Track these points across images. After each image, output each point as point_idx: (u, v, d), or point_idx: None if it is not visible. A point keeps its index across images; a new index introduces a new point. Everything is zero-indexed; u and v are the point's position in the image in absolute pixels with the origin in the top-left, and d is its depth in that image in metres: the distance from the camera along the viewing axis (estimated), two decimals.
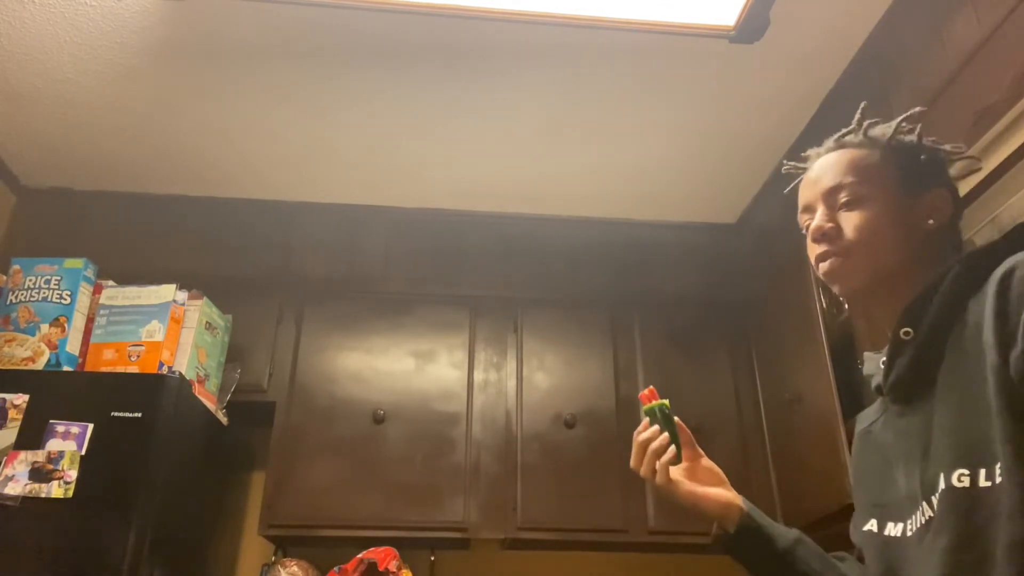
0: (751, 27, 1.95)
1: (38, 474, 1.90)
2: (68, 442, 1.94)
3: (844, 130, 1.05)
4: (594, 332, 2.71)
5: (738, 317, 2.77)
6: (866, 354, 1.01)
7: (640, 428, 1.13)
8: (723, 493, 1.10)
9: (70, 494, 1.89)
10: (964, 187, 1.80)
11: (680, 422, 1.13)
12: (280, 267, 2.72)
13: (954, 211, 0.99)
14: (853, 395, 2.05)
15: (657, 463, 1.09)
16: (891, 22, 1.98)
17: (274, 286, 2.67)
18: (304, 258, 2.75)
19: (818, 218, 1.00)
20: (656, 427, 1.11)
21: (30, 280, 2.24)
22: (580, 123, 2.42)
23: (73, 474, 1.91)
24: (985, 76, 1.64)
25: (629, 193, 2.78)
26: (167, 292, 2.26)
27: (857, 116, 1.06)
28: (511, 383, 2.61)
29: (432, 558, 2.54)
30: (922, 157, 1.00)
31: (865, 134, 1.03)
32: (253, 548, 2.54)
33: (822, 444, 2.13)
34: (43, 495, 1.88)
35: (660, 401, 1.13)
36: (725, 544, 1.07)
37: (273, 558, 2.43)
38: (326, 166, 2.65)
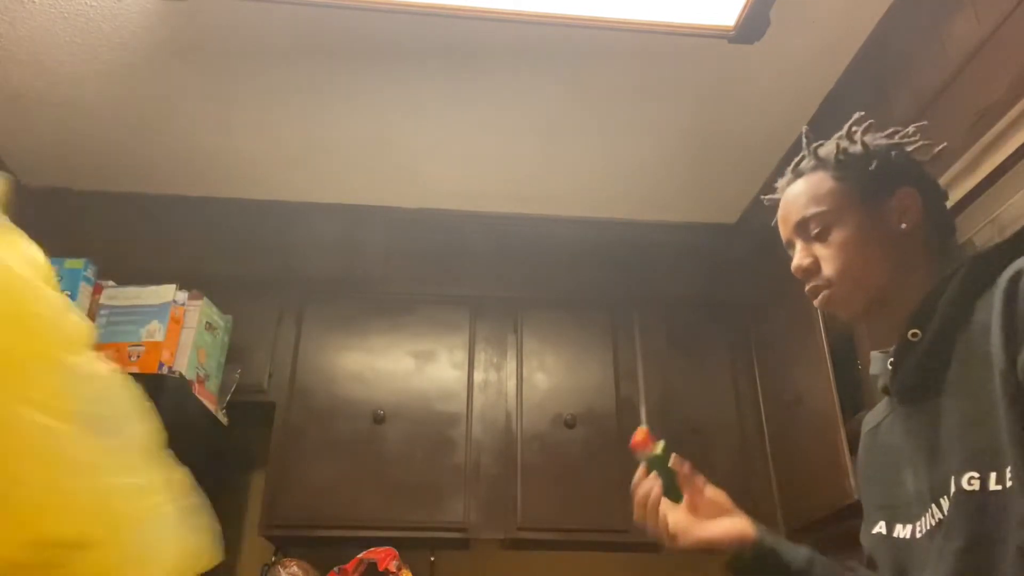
0: (751, 27, 1.95)
1: None
2: None
3: (798, 157, 1.05)
4: (594, 332, 2.71)
5: (738, 317, 2.77)
6: (872, 353, 1.01)
7: (638, 477, 1.09)
8: (732, 527, 1.06)
9: None
10: (964, 187, 1.81)
11: (677, 460, 1.09)
12: (280, 267, 2.72)
13: (926, 202, 0.98)
14: (853, 395, 2.05)
15: (660, 528, 1.06)
16: (891, 22, 1.98)
17: (274, 286, 2.67)
18: (304, 258, 2.75)
19: (796, 256, 1.01)
20: (652, 475, 1.07)
21: None
22: (580, 123, 2.42)
23: None
24: (985, 76, 1.64)
25: (629, 193, 2.78)
26: (167, 292, 2.26)
27: (803, 140, 1.05)
28: (511, 383, 2.61)
29: (432, 558, 2.54)
30: (873, 164, 0.98)
31: (815, 156, 1.03)
32: (253, 548, 2.54)
33: (822, 444, 2.13)
34: None
35: (656, 451, 1.08)
36: (739, 570, 1.06)
37: (273, 558, 2.43)
38: (326, 166, 2.65)
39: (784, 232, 1.04)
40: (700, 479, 1.10)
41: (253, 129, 2.46)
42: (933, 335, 0.89)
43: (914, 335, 0.90)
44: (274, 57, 2.16)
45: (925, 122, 1.07)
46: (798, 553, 1.05)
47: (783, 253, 1.07)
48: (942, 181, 1.82)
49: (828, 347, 2.15)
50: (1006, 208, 1.74)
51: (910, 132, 1.02)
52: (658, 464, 1.08)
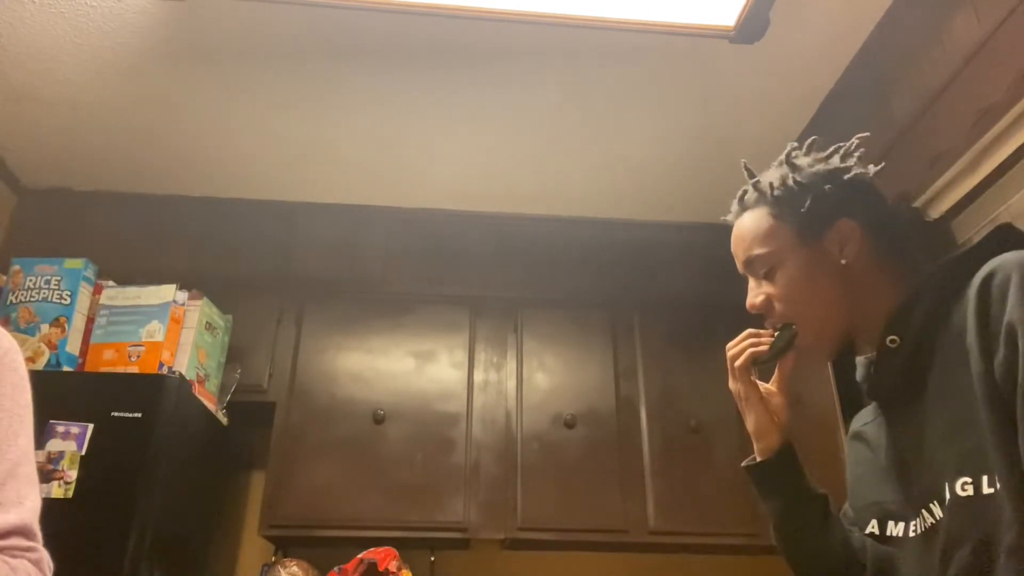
0: (751, 27, 1.95)
1: (38, 475, 1.90)
2: (68, 442, 1.94)
3: (743, 188, 1.06)
4: (594, 332, 2.71)
5: (738, 317, 2.74)
6: (858, 359, 1.02)
7: (764, 332, 1.08)
8: (770, 419, 1.08)
9: (70, 494, 1.88)
10: (964, 187, 1.81)
11: (794, 356, 1.06)
12: (280, 267, 2.72)
13: (869, 229, 0.96)
14: (853, 395, 2.04)
15: (749, 350, 1.07)
16: (891, 22, 1.98)
17: (274, 286, 2.67)
18: (304, 258, 2.75)
19: (749, 295, 1.02)
20: (772, 332, 1.05)
21: (30, 280, 2.24)
22: (580, 123, 2.42)
23: (73, 474, 1.91)
24: (985, 76, 1.64)
25: (629, 193, 2.78)
26: (167, 292, 2.26)
27: (745, 173, 1.06)
28: (511, 383, 2.61)
29: (432, 558, 2.54)
30: (806, 203, 0.97)
31: (757, 190, 1.03)
32: (253, 548, 2.54)
33: (822, 444, 2.13)
34: (43, 495, 1.88)
35: (794, 326, 1.03)
36: (757, 468, 1.08)
37: (273, 558, 2.43)
38: (326, 166, 2.65)
39: (738, 266, 1.06)
40: (789, 391, 1.11)
41: (253, 129, 2.46)
42: (912, 341, 0.89)
43: (892, 342, 0.90)
44: (274, 57, 2.16)
45: (868, 133, 1.05)
46: (814, 483, 1.08)
47: None
48: (942, 181, 1.83)
49: None
50: (1006, 208, 1.74)
51: (852, 148, 1.01)
52: (787, 334, 1.03)
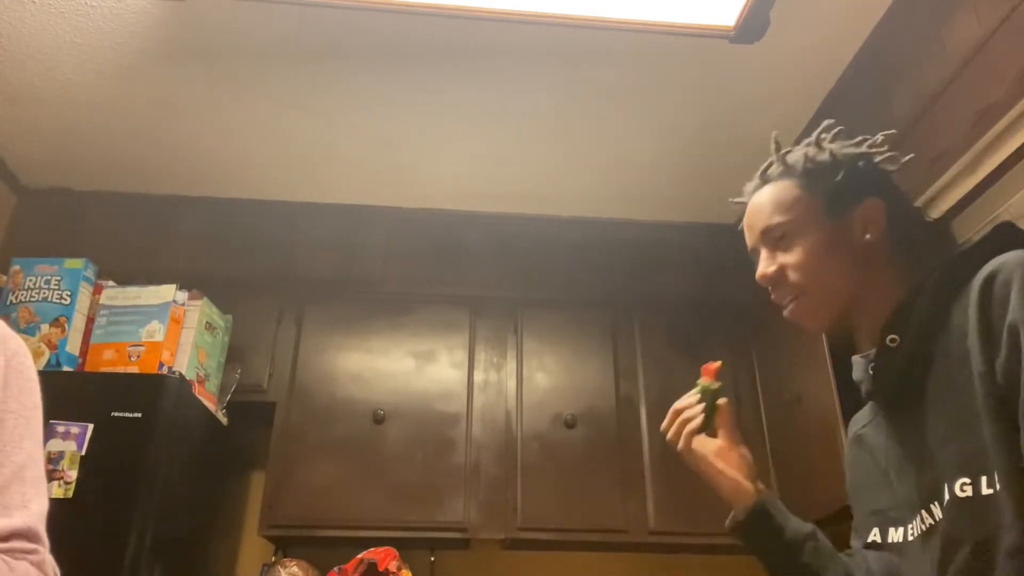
0: (751, 27, 1.95)
1: None
2: (68, 442, 1.94)
3: (767, 162, 1.05)
4: (594, 332, 2.71)
5: (738, 317, 2.77)
6: (854, 358, 1.01)
7: (686, 400, 1.11)
8: (739, 479, 1.06)
9: (70, 494, 1.88)
10: (964, 187, 1.81)
11: (726, 404, 1.10)
12: (280, 267, 2.72)
13: (891, 213, 0.97)
14: (853, 395, 2.04)
15: (684, 430, 1.08)
16: (891, 22, 1.98)
17: (274, 286, 2.67)
18: (304, 258, 2.75)
19: (761, 264, 1.01)
20: (696, 398, 1.09)
21: (30, 280, 2.24)
22: (580, 123, 2.42)
23: (73, 474, 1.91)
24: (985, 76, 1.64)
25: (629, 193, 2.78)
26: (167, 292, 2.26)
27: (773, 146, 1.05)
28: (511, 383, 2.61)
29: (432, 558, 2.54)
30: (840, 175, 0.97)
31: (784, 163, 1.02)
32: (253, 548, 2.54)
33: (822, 444, 2.13)
34: None
35: (714, 385, 1.10)
36: (736, 531, 1.07)
37: (273, 558, 2.43)
38: (326, 166, 2.65)
39: (749, 239, 1.05)
40: (737, 434, 1.10)
41: (253, 129, 2.46)
42: (912, 340, 0.88)
43: (892, 341, 0.90)
44: (274, 57, 2.16)
45: (894, 131, 1.05)
46: (798, 526, 1.06)
47: None
48: (942, 181, 1.83)
49: (828, 347, 2.15)
50: (1006, 208, 1.74)
51: (878, 141, 1.01)
52: (710, 396, 1.09)
